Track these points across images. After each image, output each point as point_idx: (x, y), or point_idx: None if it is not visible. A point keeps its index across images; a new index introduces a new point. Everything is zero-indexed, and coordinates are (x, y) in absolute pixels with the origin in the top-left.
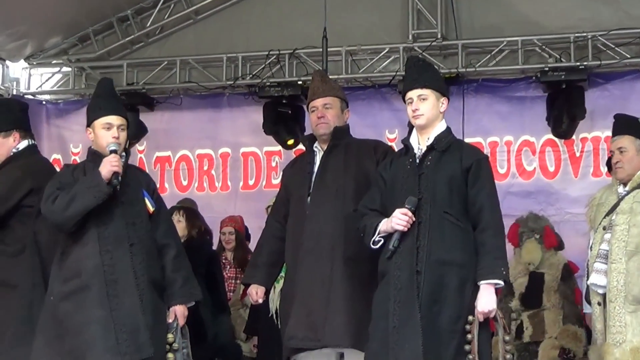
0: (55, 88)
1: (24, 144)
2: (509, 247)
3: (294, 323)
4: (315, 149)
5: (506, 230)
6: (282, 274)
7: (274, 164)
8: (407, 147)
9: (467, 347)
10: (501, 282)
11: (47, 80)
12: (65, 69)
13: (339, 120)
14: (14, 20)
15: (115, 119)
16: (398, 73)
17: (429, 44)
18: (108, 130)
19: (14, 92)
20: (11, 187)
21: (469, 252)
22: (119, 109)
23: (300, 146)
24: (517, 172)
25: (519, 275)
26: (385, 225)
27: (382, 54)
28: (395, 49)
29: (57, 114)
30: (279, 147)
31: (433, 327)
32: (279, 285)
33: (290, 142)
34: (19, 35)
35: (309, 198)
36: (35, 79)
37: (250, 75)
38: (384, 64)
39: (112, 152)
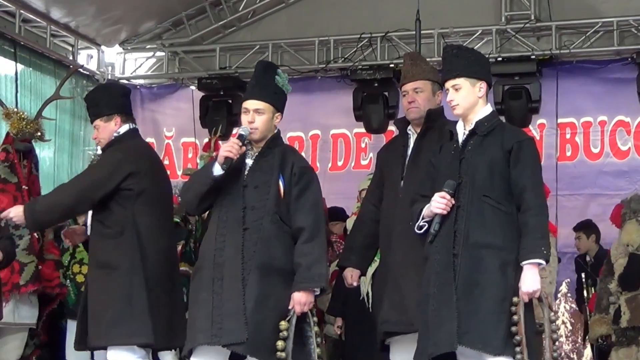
0: (149, 72)
1: (124, 127)
2: (613, 228)
3: (388, 307)
4: (408, 132)
5: (601, 210)
6: (376, 258)
7: (363, 145)
8: (451, 133)
9: (513, 328)
10: (543, 262)
11: (141, 65)
12: (158, 53)
13: (430, 104)
14: (108, 6)
15: (250, 104)
16: (491, 55)
17: (522, 25)
18: (245, 115)
19: (109, 77)
20: (111, 171)
21: (510, 234)
22: (256, 93)
23: (392, 128)
24: (610, 152)
25: (620, 256)
26: (427, 209)
27: (475, 36)
28: (488, 31)
29: (150, 98)
30: None
31: (476, 310)
32: (371, 269)
33: (375, 125)
34: (113, 21)
35: (402, 181)
36: (130, 64)
37: (342, 59)
38: (477, 46)
39: (238, 136)
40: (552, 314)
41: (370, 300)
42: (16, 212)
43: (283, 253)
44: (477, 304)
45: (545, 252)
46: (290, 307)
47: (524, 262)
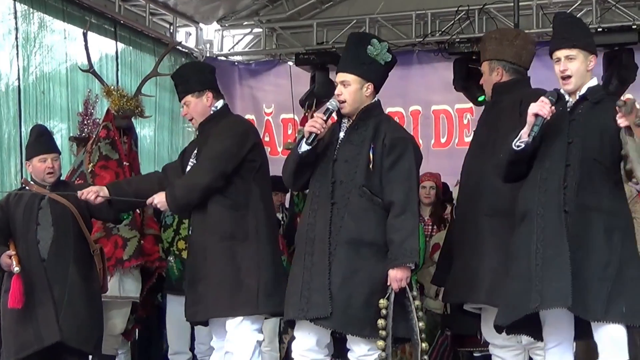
0: (246, 49)
1: (220, 102)
2: None
3: (452, 280)
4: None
5: None
6: None
7: (465, 122)
8: (559, 95)
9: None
10: None
11: (238, 42)
12: (256, 30)
13: (504, 78)
14: None
15: (338, 76)
16: (591, 26)
17: None
18: (337, 88)
19: (207, 54)
20: (239, 142)
21: (619, 199)
22: (342, 65)
23: None
24: None
25: None
26: (524, 129)
27: (574, 6)
28: (587, 2)
29: (249, 74)
30: (471, 104)
31: (576, 274)
32: None
33: (482, 98)
34: None
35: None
36: (228, 41)
37: (440, 32)
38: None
39: (325, 110)
40: None
41: None
42: (159, 199)
43: (374, 226)
44: (580, 267)
45: None
46: (388, 284)
47: None
